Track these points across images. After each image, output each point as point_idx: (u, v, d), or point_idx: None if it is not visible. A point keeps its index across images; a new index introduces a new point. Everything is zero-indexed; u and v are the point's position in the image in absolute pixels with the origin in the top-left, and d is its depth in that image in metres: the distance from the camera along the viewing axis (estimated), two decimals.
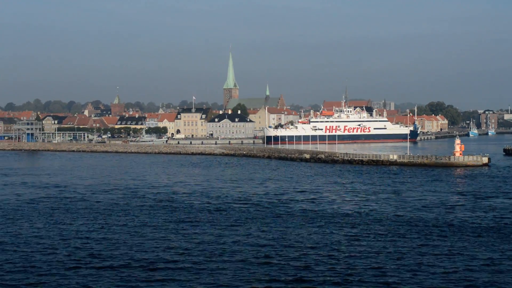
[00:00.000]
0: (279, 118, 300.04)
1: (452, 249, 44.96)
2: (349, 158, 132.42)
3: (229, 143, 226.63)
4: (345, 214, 60.46)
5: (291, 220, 56.87)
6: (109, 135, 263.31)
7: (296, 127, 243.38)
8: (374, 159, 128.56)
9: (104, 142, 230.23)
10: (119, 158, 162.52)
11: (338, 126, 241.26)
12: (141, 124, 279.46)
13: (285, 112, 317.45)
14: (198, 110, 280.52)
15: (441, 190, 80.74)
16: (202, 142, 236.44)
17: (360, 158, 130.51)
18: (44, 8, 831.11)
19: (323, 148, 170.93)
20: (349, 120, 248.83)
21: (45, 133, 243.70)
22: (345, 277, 37.91)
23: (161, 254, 43.34)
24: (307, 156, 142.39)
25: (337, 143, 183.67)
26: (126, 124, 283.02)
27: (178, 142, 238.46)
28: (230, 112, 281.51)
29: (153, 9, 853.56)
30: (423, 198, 72.11)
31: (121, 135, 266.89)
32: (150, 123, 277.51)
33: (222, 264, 40.65)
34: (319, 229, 52.47)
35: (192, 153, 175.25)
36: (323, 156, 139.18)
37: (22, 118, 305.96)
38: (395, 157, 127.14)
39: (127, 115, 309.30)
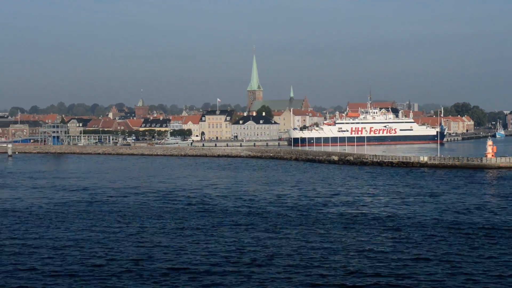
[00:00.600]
0: (304, 120, 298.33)
1: (503, 253, 43.45)
2: (379, 160, 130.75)
3: (254, 145, 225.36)
4: (385, 217, 59.08)
5: (331, 224, 55.64)
6: (134, 138, 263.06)
7: (322, 129, 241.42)
8: (404, 161, 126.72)
9: (129, 144, 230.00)
10: (145, 160, 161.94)
11: (364, 128, 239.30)
12: (166, 126, 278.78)
13: (310, 114, 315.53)
14: (222, 112, 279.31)
15: (479, 192, 79.07)
16: (227, 144, 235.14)
17: (390, 160, 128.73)
18: (66, 12, 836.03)
19: (349, 150, 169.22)
20: (375, 122, 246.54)
21: (70, 136, 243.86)
22: (397, 282, 36.57)
23: (203, 260, 42.24)
24: (336, 158, 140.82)
25: (363, 145, 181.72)
26: (151, 127, 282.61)
27: (203, 144, 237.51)
28: (254, 114, 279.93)
29: (176, 10, 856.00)
30: (461, 201, 70.50)
31: (146, 138, 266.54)
32: (175, 125, 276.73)
33: (267, 269, 39.50)
34: (361, 233, 51.20)
35: (219, 156, 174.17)
36: (351, 158, 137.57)
37: (47, 121, 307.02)
38: (426, 158, 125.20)
39: (151, 118, 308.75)
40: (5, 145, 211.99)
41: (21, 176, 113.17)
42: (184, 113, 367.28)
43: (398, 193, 78.59)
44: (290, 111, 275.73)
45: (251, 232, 51.58)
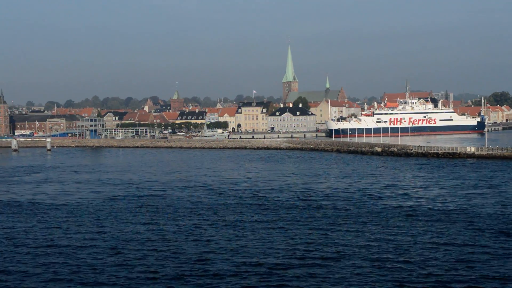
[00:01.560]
0: (341, 111, 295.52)
1: None
2: (424, 151, 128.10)
3: (292, 137, 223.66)
4: (447, 210, 56.79)
5: (393, 217, 53.55)
6: (170, 131, 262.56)
7: (360, 120, 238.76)
8: (451, 151, 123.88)
9: (166, 137, 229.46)
10: (184, 153, 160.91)
11: (403, 118, 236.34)
12: (202, 119, 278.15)
13: (347, 105, 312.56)
14: (258, 104, 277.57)
15: None
16: (264, 136, 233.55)
17: (436, 151, 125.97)
18: (100, 8, 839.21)
19: (388, 140, 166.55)
20: (414, 112, 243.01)
21: (107, 130, 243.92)
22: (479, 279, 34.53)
23: (269, 257, 40.35)
24: (379, 149, 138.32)
25: (402, 136, 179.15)
26: (187, 119, 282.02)
27: (240, 136, 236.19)
28: (290, 105, 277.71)
29: (209, 4, 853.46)
30: None
31: (182, 130, 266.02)
32: (211, 117, 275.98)
33: (341, 266, 37.52)
34: (430, 226, 49.03)
35: (258, 148, 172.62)
36: (395, 149, 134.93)
37: (83, 115, 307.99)
38: (473, 149, 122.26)
39: (187, 110, 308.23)
40: (44, 139, 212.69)
41: (64, 170, 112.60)
42: (218, 106, 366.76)
43: (452, 185, 76.14)
44: (328, 102, 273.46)
45: (313, 227, 49.69)
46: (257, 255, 40.88)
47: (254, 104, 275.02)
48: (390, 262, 38.57)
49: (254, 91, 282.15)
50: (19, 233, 50.35)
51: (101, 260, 40.67)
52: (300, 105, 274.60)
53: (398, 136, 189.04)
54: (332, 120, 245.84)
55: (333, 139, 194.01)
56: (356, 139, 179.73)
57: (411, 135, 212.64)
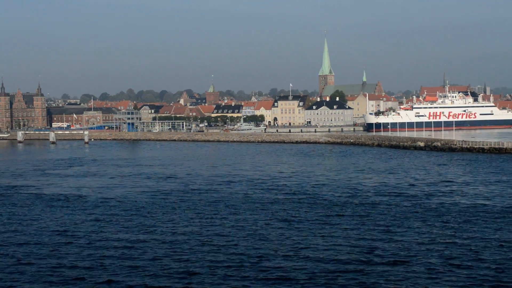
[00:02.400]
0: (378, 105, 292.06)
1: None
2: (468, 146, 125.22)
3: (329, 131, 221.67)
4: (507, 207, 54.59)
5: (449, 214, 51.72)
6: (206, 124, 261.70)
7: (399, 114, 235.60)
8: (497, 147, 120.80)
9: (202, 131, 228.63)
10: (222, 147, 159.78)
11: (442, 112, 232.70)
12: (238, 112, 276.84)
13: (384, 99, 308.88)
14: (295, 97, 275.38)
15: None
16: (301, 130, 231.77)
17: (481, 146, 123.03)
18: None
19: (428, 135, 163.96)
20: (454, 106, 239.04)
21: (144, 123, 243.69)
22: None
23: (330, 257, 38.60)
24: (422, 144, 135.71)
25: (441, 130, 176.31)
26: (223, 113, 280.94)
27: (277, 130, 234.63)
28: (327, 99, 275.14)
29: None
30: None
31: (218, 124, 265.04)
32: (247, 111, 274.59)
33: (408, 267, 35.70)
34: (489, 224, 47.00)
35: (297, 142, 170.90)
36: (439, 144, 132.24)
37: (119, 108, 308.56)
38: None
39: (223, 104, 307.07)
40: (82, 132, 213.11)
41: (105, 163, 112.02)
42: (253, 99, 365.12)
43: (505, 181, 73.72)
44: (366, 96, 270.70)
45: (373, 224, 47.92)
46: (320, 253, 39.25)
47: (290, 97, 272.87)
48: (462, 260, 36.81)
49: (291, 85, 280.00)
50: (70, 227, 49.43)
51: (159, 258, 39.35)
52: (337, 98, 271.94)
53: (437, 130, 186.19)
54: (370, 114, 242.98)
55: (372, 133, 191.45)
56: (396, 133, 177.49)
57: (450, 129, 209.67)
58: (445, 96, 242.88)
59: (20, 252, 41.72)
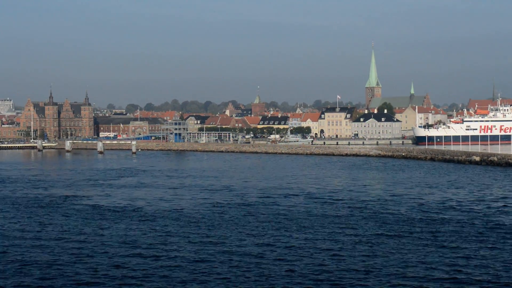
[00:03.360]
0: (426, 118, 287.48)
1: None
2: None
3: (377, 144, 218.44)
4: None
5: None
6: (252, 135, 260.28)
7: (449, 127, 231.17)
8: None
9: (249, 142, 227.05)
10: (271, 159, 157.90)
11: (494, 126, 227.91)
12: (284, 124, 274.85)
13: (433, 112, 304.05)
14: (342, 109, 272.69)
15: None
16: (349, 142, 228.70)
17: None
18: (189, 8, 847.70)
19: (478, 149, 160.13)
20: (506, 120, 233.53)
21: (190, 133, 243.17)
22: None
23: (412, 280, 36.29)
24: (477, 158, 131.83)
25: (492, 144, 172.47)
26: (269, 124, 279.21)
27: (324, 142, 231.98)
28: (375, 111, 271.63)
29: (291, 9, 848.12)
30: None
31: (264, 135, 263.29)
32: (293, 122, 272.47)
33: None
34: None
35: (346, 155, 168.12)
36: (495, 158, 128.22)
37: (165, 118, 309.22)
38: None
39: (269, 115, 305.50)
40: (129, 141, 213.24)
41: (155, 174, 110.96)
42: (298, 111, 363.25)
43: None
44: (415, 109, 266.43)
45: (449, 245, 45.28)
46: (395, 276, 36.90)
47: (338, 109, 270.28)
48: None
49: (339, 96, 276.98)
50: (136, 239, 48.00)
51: (232, 272, 37.44)
52: (385, 111, 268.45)
53: (487, 144, 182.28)
54: (419, 127, 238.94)
55: (423, 146, 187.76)
56: (447, 147, 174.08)
57: (501, 144, 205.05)
58: (496, 110, 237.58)
59: (91, 263, 40.68)
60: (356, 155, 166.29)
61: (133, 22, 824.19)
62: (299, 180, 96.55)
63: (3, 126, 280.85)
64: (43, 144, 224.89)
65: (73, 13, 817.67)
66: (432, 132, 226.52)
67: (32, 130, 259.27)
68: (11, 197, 76.64)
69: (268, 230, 51.80)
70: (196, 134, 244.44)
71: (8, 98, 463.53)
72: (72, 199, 73.94)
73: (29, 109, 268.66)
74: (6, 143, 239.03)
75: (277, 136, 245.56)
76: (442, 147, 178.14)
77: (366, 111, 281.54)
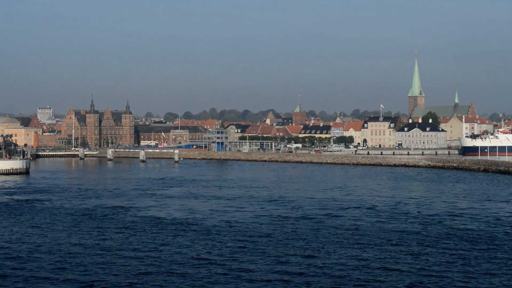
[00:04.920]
0: (472, 128, 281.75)
1: None
2: None
3: (422, 154, 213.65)
4: None
5: None
6: (293, 144, 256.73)
7: (497, 137, 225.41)
8: None
9: (291, 151, 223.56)
10: (318, 169, 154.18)
11: None
12: (326, 133, 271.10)
13: (478, 121, 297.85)
14: (386, 118, 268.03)
15: None
16: (393, 152, 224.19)
17: None
18: (225, 20, 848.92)
19: None
20: None
21: (231, 142, 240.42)
22: None
23: None
24: None
25: None
26: (310, 133, 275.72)
27: (368, 152, 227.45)
28: (420, 120, 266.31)
29: (331, 22, 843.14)
30: None
31: (305, 145, 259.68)
32: (335, 132, 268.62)
33: None
34: None
35: (395, 165, 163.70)
36: None
37: (205, 127, 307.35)
38: None
39: (310, 124, 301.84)
40: (171, 150, 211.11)
41: (202, 184, 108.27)
42: (338, 120, 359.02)
43: None
44: (462, 119, 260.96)
45: None
46: None
47: (381, 118, 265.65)
48: None
49: (382, 106, 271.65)
50: (201, 256, 45.14)
51: None
52: (430, 120, 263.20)
53: None
54: (466, 136, 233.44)
55: (474, 157, 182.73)
56: (495, 157, 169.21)
57: None
58: None
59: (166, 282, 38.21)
60: (405, 165, 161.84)
61: (175, 40, 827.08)
62: (355, 191, 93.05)
63: (44, 134, 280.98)
64: (85, 153, 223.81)
65: (116, 26, 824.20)
66: (480, 143, 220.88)
67: (73, 138, 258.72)
68: (62, 208, 74.30)
69: (346, 247, 48.70)
70: (238, 143, 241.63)
71: (48, 106, 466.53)
72: (125, 211, 71.33)
73: (70, 117, 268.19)
74: (47, 151, 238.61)
75: (294, 146, 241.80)
76: (491, 157, 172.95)
77: (410, 121, 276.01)
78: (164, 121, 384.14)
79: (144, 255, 46.10)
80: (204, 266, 42.40)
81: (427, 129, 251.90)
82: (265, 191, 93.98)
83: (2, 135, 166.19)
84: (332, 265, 42.24)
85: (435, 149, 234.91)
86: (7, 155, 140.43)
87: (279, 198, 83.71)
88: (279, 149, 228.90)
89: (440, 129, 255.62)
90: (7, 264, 43.69)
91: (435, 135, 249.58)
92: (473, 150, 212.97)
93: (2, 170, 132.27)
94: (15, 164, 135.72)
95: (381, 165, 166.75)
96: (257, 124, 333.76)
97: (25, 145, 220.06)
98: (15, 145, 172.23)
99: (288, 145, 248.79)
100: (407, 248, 47.83)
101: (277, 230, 56.43)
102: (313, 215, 66.45)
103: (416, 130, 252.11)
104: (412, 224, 59.70)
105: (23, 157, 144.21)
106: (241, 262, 43.60)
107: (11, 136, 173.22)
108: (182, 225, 60.08)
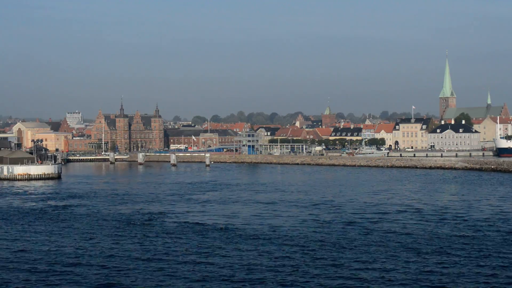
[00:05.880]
0: (506, 128, 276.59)
1: None
2: None
3: (456, 156, 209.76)
4: None
5: None
6: (324, 147, 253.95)
7: None
8: None
9: (323, 154, 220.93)
10: (352, 171, 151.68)
11: None
12: (357, 135, 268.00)
13: None
14: (417, 120, 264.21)
15: None
16: (426, 154, 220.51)
17: None
18: (245, 22, 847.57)
19: None
20: None
21: (262, 145, 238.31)
22: None
23: None
24: None
25: None
26: (341, 136, 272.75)
27: (400, 154, 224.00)
28: (452, 122, 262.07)
29: (361, 23, 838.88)
30: None
31: (336, 147, 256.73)
32: (366, 134, 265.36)
33: None
34: None
35: (430, 167, 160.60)
36: None
37: (235, 130, 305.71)
38: None
39: (340, 127, 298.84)
40: (202, 154, 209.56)
41: (237, 188, 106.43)
42: (367, 122, 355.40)
43: None
44: (496, 120, 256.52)
45: None
46: None
47: (413, 120, 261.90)
48: None
49: (413, 107, 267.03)
50: (251, 265, 43.32)
51: None
52: (463, 122, 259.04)
53: None
54: (501, 138, 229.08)
55: (504, 158, 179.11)
56: None
57: None
58: None
59: None
60: (441, 168, 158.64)
61: (200, 43, 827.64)
62: (397, 195, 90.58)
63: (74, 138, 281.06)
64: (115, 157, 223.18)
65: (145, 32, 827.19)
66: None
67: (103, 142, 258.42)
68: (100, 214, 72.76)
69: (401, 253, 46.35)
70: (268, 146, 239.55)
71: (76, 111, 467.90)
72: (165, 216, 69.59)
73: (100, 121, 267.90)
74: (77, 155, 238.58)
75: (319, 148, 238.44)
76: None
77: (442, 122, 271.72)
78: (192, 125, 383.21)
79: (196, 262, 44.42)
80: (255, 274, 40.40)
81: (460, 130, 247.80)
82: (303, 195, 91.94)
83: (33, 140, 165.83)
84: (394, 273, 40.05)
85: (468, 150, 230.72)
86: (39, 160, 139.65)
87: (322, 203, 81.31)
88: (310, 152, 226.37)
89: (473, 130, 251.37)
90: (56, 270, 42.68)
91: (468, 137, 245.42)
92: (508, 151, 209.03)
93: (34, 175, 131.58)
94: (47, 169, 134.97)
95: (416, 167, 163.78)
96: (287, 126, 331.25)
97: (57, 149, 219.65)
98: (46, 150, 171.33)
99: (317, 148, 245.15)
100: (469, 254, 45.48)
101: (329, 235, 54.38)
102: (359, 219, 64.34)
103: (449, 132, 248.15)
104: (466, 229, 57.25)
105: (55, 162, 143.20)
106: (295, 268, 41.56)
107: (41, 141, 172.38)
108: (227, 231, 58.12)
